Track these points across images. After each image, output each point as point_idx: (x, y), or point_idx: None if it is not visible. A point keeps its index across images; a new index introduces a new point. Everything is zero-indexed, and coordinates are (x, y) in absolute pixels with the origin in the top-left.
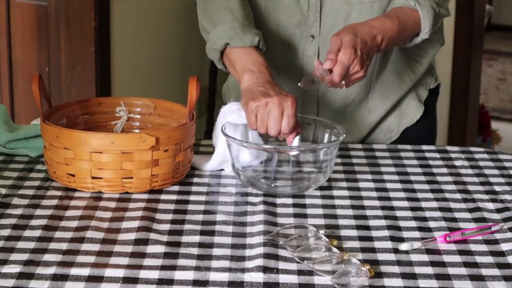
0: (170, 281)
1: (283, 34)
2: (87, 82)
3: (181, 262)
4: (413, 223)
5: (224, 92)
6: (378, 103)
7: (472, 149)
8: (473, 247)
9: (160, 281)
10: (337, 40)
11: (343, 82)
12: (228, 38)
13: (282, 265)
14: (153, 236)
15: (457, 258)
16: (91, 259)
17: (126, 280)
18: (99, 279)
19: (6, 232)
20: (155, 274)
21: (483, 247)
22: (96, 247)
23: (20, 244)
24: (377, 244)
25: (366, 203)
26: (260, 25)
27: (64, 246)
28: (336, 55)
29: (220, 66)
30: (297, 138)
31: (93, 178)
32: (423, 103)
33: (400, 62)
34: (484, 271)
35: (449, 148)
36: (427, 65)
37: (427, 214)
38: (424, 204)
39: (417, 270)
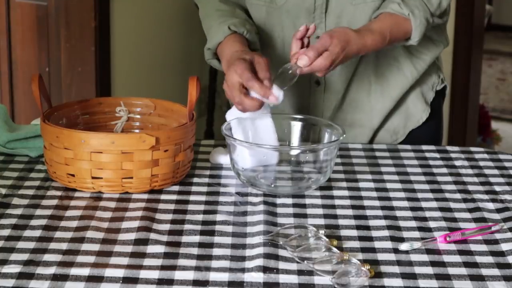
0: (170, 281)
1: (288, 38)
2: (87, 82)
3: (181, 262)
4: (413, 223)
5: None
6: (380, 99)
7: (472, 149)
8: (473, 247)
9: (160, 281)
10: (327, 41)
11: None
12: (208, 43)
13: (282, 265)
14: (153, 236)
15: (457, 258)
16: (91, 259)
17: (126, 280)
18: (99, 279)
19: (6, 232)
20: (155, 274)
21: (483, 247)
22: (96, 247)
23: (20, 244)
24: (377, 244)
25: (366, 203)
26: (264, 31)
27: (64, 246)
28: (317, 55)
29: None
30: (277, 90)
31: (93, 178)
32: (429, 104)
33: (402, 57)
34: (484, 271)
35: (449, 148)
36: (429, 62)
37: (427, 214)
38: (424, 204)
39: (417, 270)
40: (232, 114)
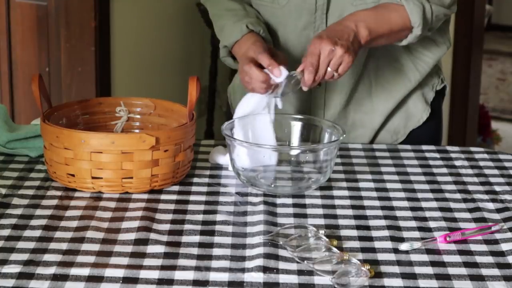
0: (170, 281)
1: (290, 38)
2: (87, 82)
3: (181, 262)
4: (413, 223)
5: (230, 93)
6: (382, 100)
7: (472, 149)
8: (473, 247)
9: (160, 281)
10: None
11: (333, 73)
12: (224, 41)
13: (282, 265)
14: (153, 236)
15: (457, 258)
16: (91, 259)
17: (126, 280)
18: (99, 279)
19: (6, 232)
20: (155, 274)
21: (483, 247)
22: (96, 247)
23: (20, 244)
24: (377, 244)
25: (366, 203)
26: (268, 29)
27: (64, 246)
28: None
29: None
30: (284, 69)
31: (93, 178)
32: (429, 104)
33: (404, 60)
34: (484, 271)
35: (449, 148)
36: (432, 65)
37: (427, 214)
38: (424, 204)
39: (417, 270)
40: (241, 107)
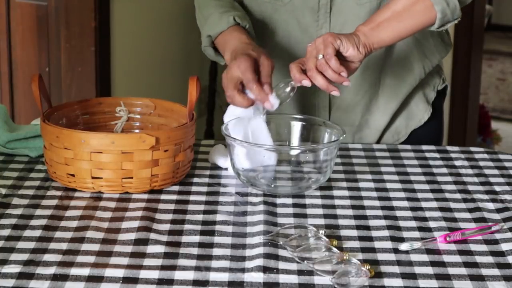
0: (170, 281)
1: (293, 36)
2: (87, 82)
3: (181, 262)
4: (413, 223)
5: None
6: (388, 99)
7: (472, 149)
8: (473, 247)
9: (160, 281)
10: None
11: (322, 58)
12: (208, 30)
13: (282, 265)
14: (153, 236)
15: (457, 258)
16: (91, 259)
17: (126, 280)
18: (99, 279)
19: (6, 232)
20: (155, 274)
21: (483, 247)
22: (96, 247)
23: (20, 244)
24: (377, 244)
25: (366, 203)
26: (269, 28)
27: (64, 246)
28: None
29: (221, 61)
30: (275, 98)
31: (93, 178)
32: (430, 104)
33: (414, 59)
34: (484, 271)
35: (449, 148)
36: (435, 64)
37: (427, 214)
38: (424, 204)
39: (417, 270)
40: (228, 115)
